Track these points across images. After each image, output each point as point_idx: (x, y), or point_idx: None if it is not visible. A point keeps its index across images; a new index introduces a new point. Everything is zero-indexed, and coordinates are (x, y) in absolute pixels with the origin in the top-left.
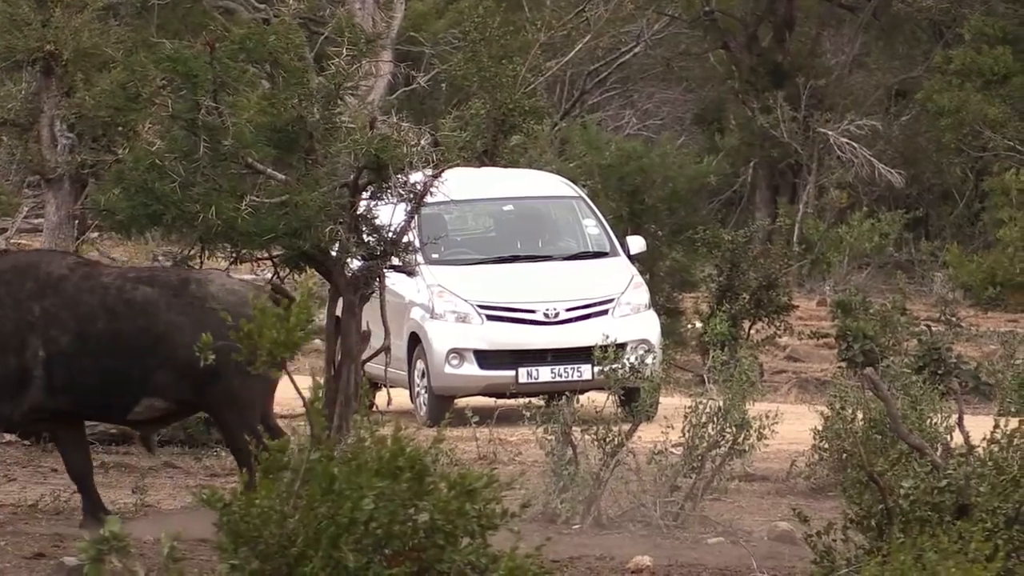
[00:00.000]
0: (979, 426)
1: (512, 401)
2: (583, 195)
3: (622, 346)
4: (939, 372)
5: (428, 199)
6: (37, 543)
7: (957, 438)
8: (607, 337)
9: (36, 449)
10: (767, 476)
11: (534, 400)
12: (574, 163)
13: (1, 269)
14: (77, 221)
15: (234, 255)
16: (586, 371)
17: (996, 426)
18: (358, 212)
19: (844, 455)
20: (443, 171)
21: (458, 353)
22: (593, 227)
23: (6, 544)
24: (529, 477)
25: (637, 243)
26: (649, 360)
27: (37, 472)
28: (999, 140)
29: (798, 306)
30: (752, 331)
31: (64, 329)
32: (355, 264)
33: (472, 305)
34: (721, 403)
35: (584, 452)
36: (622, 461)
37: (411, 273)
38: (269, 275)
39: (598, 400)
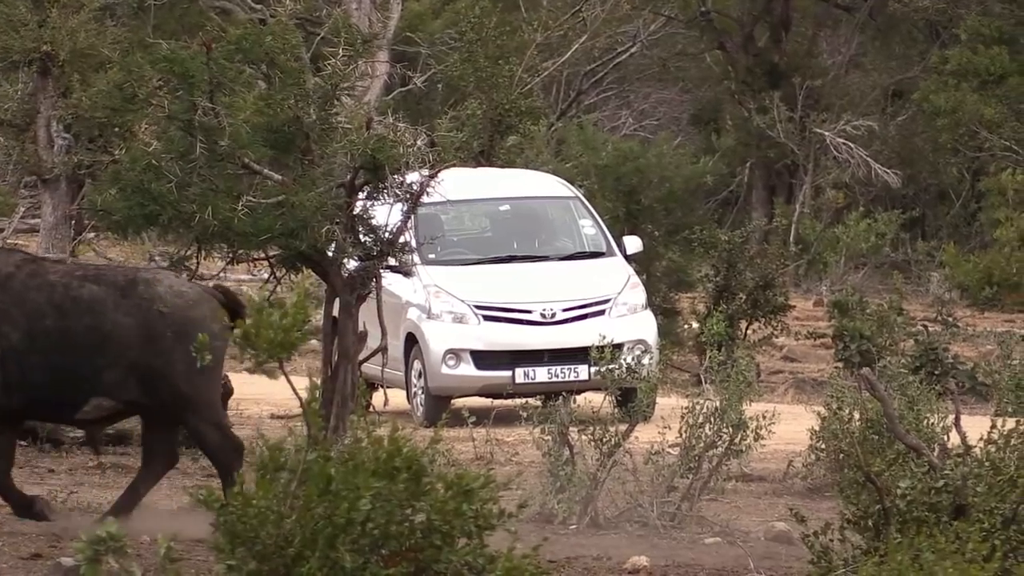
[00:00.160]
0: (976, 426)
1: (509, 401)
2: (579, 195)
3: (619, 346)
4: (936, 372)
5: (424, 199)
6: (34, 543)
7: (954, 438)
8: (604, 337)
9: (33, 449)
10: (764, 476)
11: (531, 400)
12: (570, 163)
13: None
14: (73, 221)
15: (231, 255)
16: (583, 371)
17: (993, 426)
18: (354, 212)
19: (841, 455)
20: (439, 171)
21: (455, 353)
22: (590, 227)
23: (3, 545)
24: (526, 477)
25: (634, 243)
26: (646, 360)
27: (34, 473)
28: (995, 140)
29: (795, 306)
30: (749, 331)
31: (14, 326)
32: (352, 264)
33: (469, 305)
34: (718, 403)
35: (581, 452)
36: (619, 461)
37: (407, 273)
38: (266, 275)
39: (595, 400)
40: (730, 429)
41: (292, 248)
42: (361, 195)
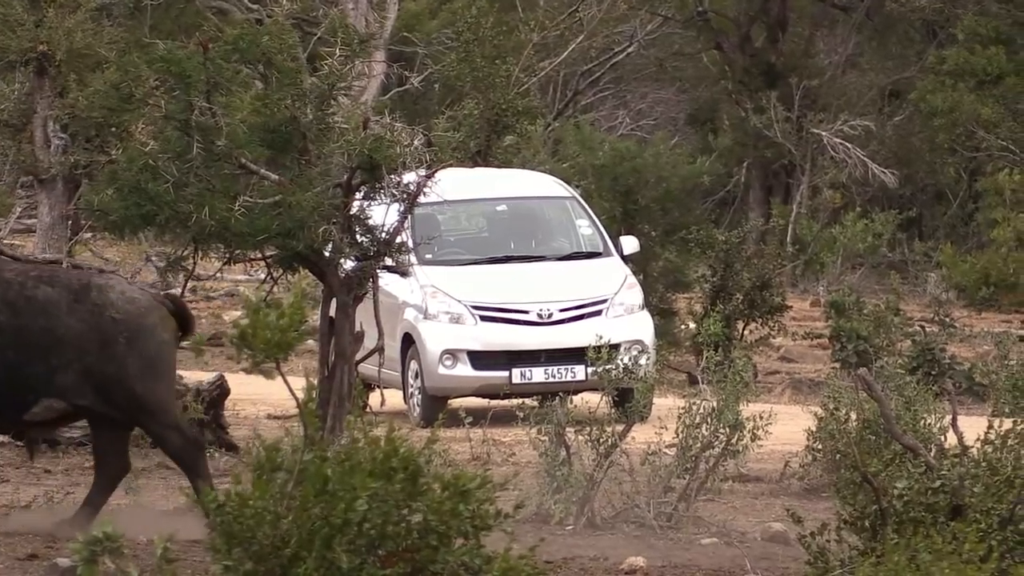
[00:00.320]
0: (973, 427)
1: (506, 402)
2: (576, 195)
3: (616, 347)
4: (933, 373)
5: (421, 199)
6: (30, 544)
7: (951, 439)
8: (601, 338)
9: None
10: (761, 477)
11: (528, 401)
12: (567, 163)
13: None
14: (70, 222)
15: (227, 255)
16: (580, 372)
17: (990, 427)
18: (351, 212)
19: (838, 456)
20: (436, 171)
21: (452, 354)
22: (586, 227)
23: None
24: (523, 478)
25: (630, 243)
26: (643, 361)
27: (30, 473)
28: (992, 140)
29: (792, 306)
30: (746, 332)
31: None
32: (349, 265)
33: (466, 306)
34: (715, 404)
35: (578, 453)
36: (616, 462)
37: (404, 273)
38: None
39: (592, 401)
40: (727, 429)
41: (289, 248)
42: (358, 195)
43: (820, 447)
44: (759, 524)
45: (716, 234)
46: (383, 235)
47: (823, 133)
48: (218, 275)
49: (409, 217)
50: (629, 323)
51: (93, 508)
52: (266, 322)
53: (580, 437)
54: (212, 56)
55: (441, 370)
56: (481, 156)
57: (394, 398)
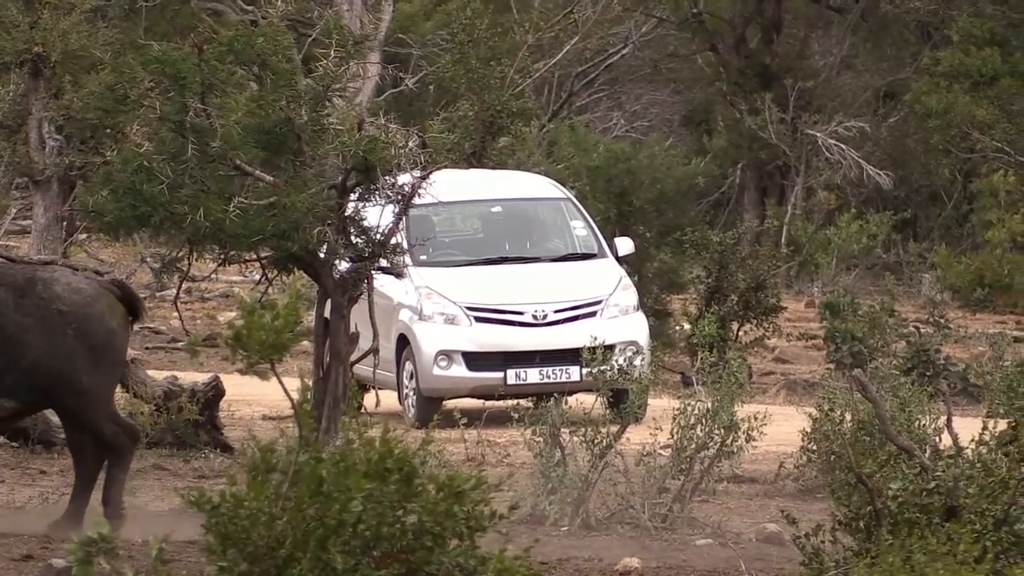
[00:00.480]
0: (968, 428)
1: (500, 403)
2: (571, 197)
3: (610, 348)
4: (928, 374)
5: (416, 201)
6: (25, 545)
7: (946, 440)
8: (595, 339)
9: (24, 451)
10: (755, 478)
11: (522, 402)
12: (562, 164)
13: None
14: (65, 223)
15: (222, 256)
16: (574, 373)
17: (985, 428)
18: (346, 214)
19: (833, 457)
20: (431, 173)
21: (446, 355)
22: (581, 229)
23: None
24: (517, 479)
25: (625, 244)
26: (637, 362)
27: (25, 474)
28: (987, 142)
29: (786, 307)
30: (740, 333)
31: None
32: (343, 266)
33: (460, 307)
34: (709, 405)
35: (572, 454)
36: (610, 463)
37: (399, 275)
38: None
39: (586, 402)
40: (722, 431)
41: (284, 249)
42: (353, 196)
43: (815, 448)
44: (754, 525)
45: (711, 235)
46: (378, 236)
47: (818, 134)
48: (213, 276)
49: (404, 218)
50: (624, 324)
51: (81, 504)
52: (261, 323)
53: (575, 438)
54: (207, 57)
55: (436, 371)
56: (476, 157)
57: (389, 399)
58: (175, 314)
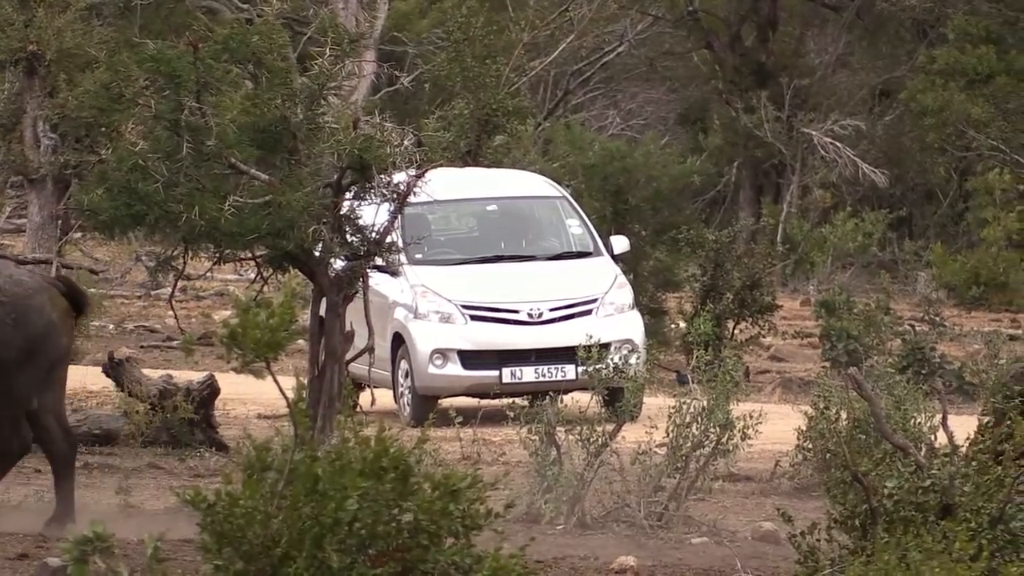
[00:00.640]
0: (963, 426)
1: (496, 401)
2: (567, 195)
3: (606, 346)
4: (923, 372)
5: (411, 199)
6: (21, 544)
7: (941, 438)
8: (591, 337)
9: None
10: (751, 476)
11: (518, 400)
12: (557, 163)
13: None
14: (60, 221)
15: (217, 255)
16: (570, 371)
17: (980, 426)
18: (341, 212)
19: (828, 455)
20: (426, 171)
21: (442, 353)
22: (577, 227)
23: None
24: (513, 477)
25: (621, 243)
26: (633, 360)
27: (20, 473)
28: (983, 140)
29: (782, 306)
30: (736, 331)
31: None
32: (339, 264)
33: (456, 305)
34: (705, 403)
35: (568, 452)
36: (606, 461)
37: (394, 273)
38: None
39: (582, 400)
40: (717, 429)
41: (279, 248)
42: (348, 195)
43: (810, 446)
44: (749, 523)
45: (706, 233)
46: (373, 235)
47: (813, 132)
48: (208, 275)
49: (399, 217)
50: (619, 322)
51: (66, 498)
52: (256, 322)
53: (570, 436)
54: (202, 56)
55: (431, 369)
56: (471, 156)
57: (384, 398)
58: (170, 313)
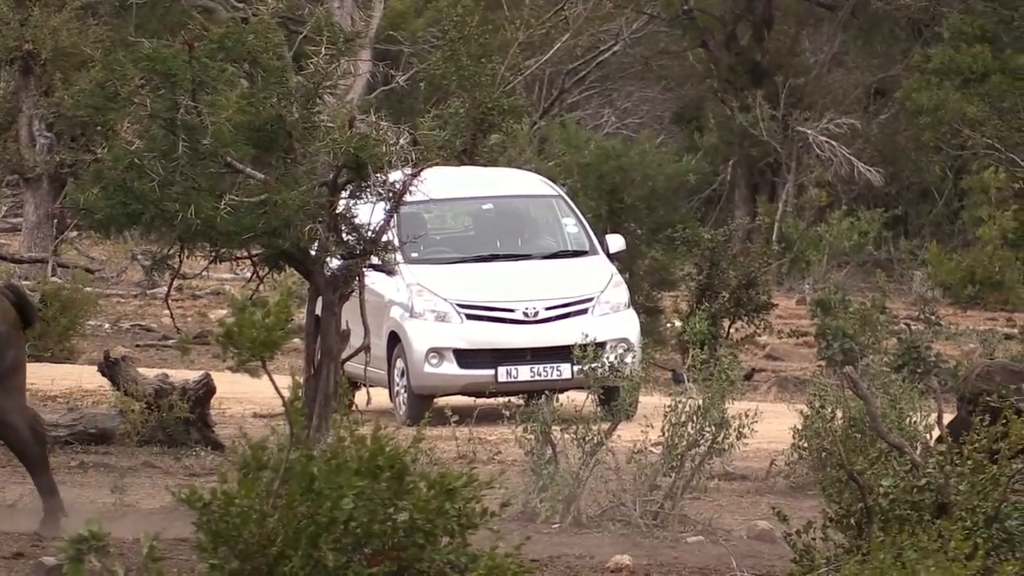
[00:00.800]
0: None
1: (491, 400)
2: (562, 194)
3: (601, 345)
4: (918, 371)
5: (407, 198)
6: (16, 543)
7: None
8: (587, 336)
9: None
10: (747, 475)
11: (513, 399)
12: (553, 162)
13: None
14: (56, 220)
15: (213, 254)
16: (566, 370)
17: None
18: (337, 211)
19: (824, 454)
20: (422, 170)
21: (438, 352)
22: (572, 226)
23: None
24: (509, 476)
25: (616, 242)
26: (629, 359)
27: (16, 472)
28: (978, 138)
29: (777, 305)
30: (732, 330)
31: None
32: (335, 263)
33: (451, 304)
34: (700, 402)
35: (564, 451)
36: (601, 460)
37: (390, 272)
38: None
39: (578, 399)
40: (713, 428)
41: (275, 247)
42: (344, 194)
43: (806, 445)
44: (745, 522)
45: (702, 232)
46: (369, 234)
47: (809, 131)
48: (204, 274)
49: (395, 216)
50: (615, 321)
51: (50, 494)
52: (252, 321)
53: (566, 435)
54: (198, 55)
55: (427, 368)
56: (467, 155)
57: (380, 396)
58: (166, 312)
